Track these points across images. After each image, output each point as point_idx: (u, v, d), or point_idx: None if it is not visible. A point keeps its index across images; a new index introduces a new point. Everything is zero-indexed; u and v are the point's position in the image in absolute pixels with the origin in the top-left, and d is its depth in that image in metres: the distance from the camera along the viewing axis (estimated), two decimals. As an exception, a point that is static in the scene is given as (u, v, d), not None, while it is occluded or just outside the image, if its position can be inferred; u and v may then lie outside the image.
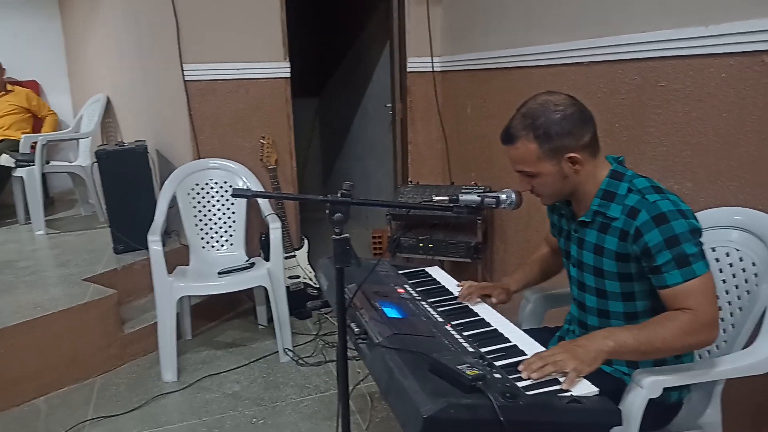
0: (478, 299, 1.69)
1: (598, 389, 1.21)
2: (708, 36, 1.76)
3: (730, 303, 1.56)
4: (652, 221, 1.32)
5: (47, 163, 4.34)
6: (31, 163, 3.97)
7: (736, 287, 1.55)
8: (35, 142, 4.12)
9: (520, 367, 1.26)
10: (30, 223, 4.05)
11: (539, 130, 1.37)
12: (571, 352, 1.26)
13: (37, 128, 4.89)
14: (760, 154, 1.67)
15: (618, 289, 1.45)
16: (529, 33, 2.70)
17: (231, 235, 3.22)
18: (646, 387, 1.30)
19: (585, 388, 1.21)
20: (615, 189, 1.42)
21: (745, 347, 1.44)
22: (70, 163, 4.75)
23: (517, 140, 1.40)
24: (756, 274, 1.50)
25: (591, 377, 1.24)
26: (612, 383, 1.41)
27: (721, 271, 1.57)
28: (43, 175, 4.17)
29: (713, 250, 1.58)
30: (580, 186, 1.44)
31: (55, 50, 5.44)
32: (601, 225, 1.44)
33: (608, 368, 1.47)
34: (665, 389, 1.33)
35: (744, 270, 1.53)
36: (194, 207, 3.16)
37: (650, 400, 1.30)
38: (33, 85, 5.24)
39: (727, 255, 1.57)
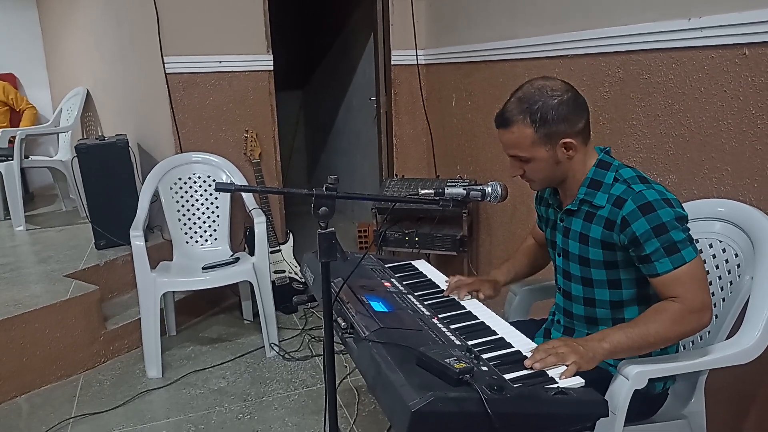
0: (467, 295, 1.69)
1: (583, 380, 1.22)
2: (690, 29, 1.78)
3: (713, 294, 1.57)
4: (639, 210, 1.33)
5: (26, 157, 4.27)
6: (10, 158, 3.91)
7: (720, 278, 1.56)
8: (14, 137, 4.05)
9: (526, 362, 1.26)
10: (9, 219, 3.99)
11: (536, 114, 1.36)
12: (572, 347, 1.27)
13: (15, 122, 4.81)
14: (741, 146, 1.69)
15: (604, 276, 1.46)
16: (512, 26, 2.70)
17: (215, 230, 3.19)
18: (632, 378, 1.31)
19: (571, 380, 1.22)
20: (601, 178, 1.42)
21: (728, 337, 1.46)
22: (50, 157, 4.68)
23: (513, 124, 1.39)
24: (739, 265, 1.51)
25: (577, 369, 1.25)
26: (597, 374, 1.41)
27: (704, 262, 1.59)
28: (23, 170, 4.10)
29: (696, 241, 1.59)
30: (570, 173, 1.45)
31: (33, 42, 5.33)
32: (586, 213, 1.45)
33: (594, 359, 1.48)
34: (650, 380, 1.35)
35: (727, 261, 1.55)
36: (177, 201, 3.13)
37: (636, 390, 1.31)
38: (10, 79, 5.15)
39: (710, 246, 1.59)
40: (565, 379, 1.21)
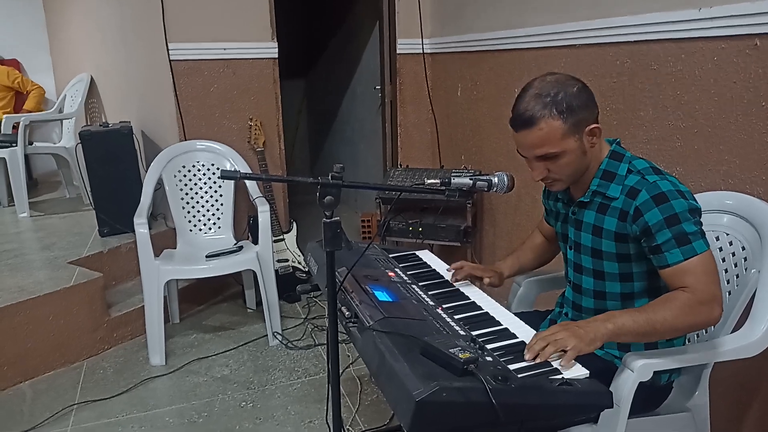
0: (468, 281, 1.68)
1: (588, 372, 1.21)
2: (700, 19, 1.75)
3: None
4: (652, 200, 1.32)
5: (30, 144, 4.27)
6: (14, 144, 3.90)
7: (726, 271, 1.56)
8: (17, 123, 4.04)
9: (525, 351, 1.26)
10: (13, 205, 4.00)
11: (561, 104, 1.33)
12: (571, 331, 1.27)
13: (19, 107, 4.80)
14: (750, 139, 1.67)
15: (616, 269, 1.45)
16: (520, 15, 2.67)
17: (219, 218, 3.19)
18: (637, 370, 1.30)
19: (576, 371, 1.21)
20: (614, 169, 1.42)
21: (734, 331, 1.45)
22: (54, 144, 4.67)
23: (540, 120, 1.34)
24: (746, 258, 1.50)
25: (582, 360, 1.24)
26: (603, 366, 1.42)
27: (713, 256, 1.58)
28: (26, 157, 4.10)
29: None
30: (592, 163, 1.43)
31: (37, 28, 5.31)
32: (600, 205, 1.44)
33: (599, 351, 1.47)
34: (655, 372, 1.34)
35: (734, 254, 1.54)
36: (181, 189, 3.13)
37: (640, 383, 1.31)
38: (14, 64, 5.14)
39: (717, 239, 1.58)
40: (565, 364, 1.21)
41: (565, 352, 1.24)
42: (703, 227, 1.34)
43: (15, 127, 4.10)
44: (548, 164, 1.40)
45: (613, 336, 1.30)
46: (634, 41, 2.03)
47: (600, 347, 1.29)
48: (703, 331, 1.59)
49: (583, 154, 1.40)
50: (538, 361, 1.24)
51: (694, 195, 1.57)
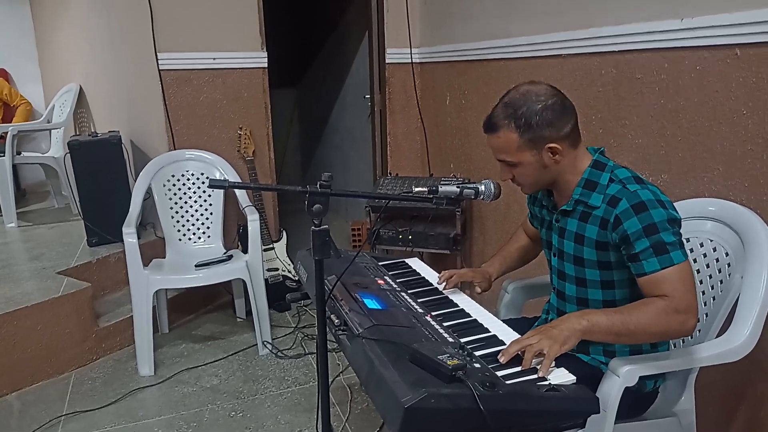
0: (457, 289, 1.70)
1: (575, 377, 1.22)
2: (683, 29, 1.79)
3: (704, 293, 1.59)
4: (632, 209, 1.34)
5: (18, 153, 4.24)
6: (2, 154, 3.88)
7: (710, 277, 1.58)
8: (5, 133, 4.02)
9: (499, 356, 1.27)
10: (1, 215, 3.96)
11: (520, 120, 1.38)
12: (545, 333, 1.29)
13: (8, 118, 4.77)
14: (733, 146, 1.70)
15: (597, 277, 1.47)
16: (506, 25, 2.70)
17: (208, 228, 3.18)
18: (623, 375, 1.32)
19: (563, 377, 1.23)
20: (597, 179, 1.44)
21: (718, 335, 1.47)
22: (42, 154, 4.64)
23: (499, 129, 1.41)
24: (729, 264, 1.53)
25: (568, 366, 1.26)
26: (589, 372, 1.43)
27: (695, 261, 1.60)
28: (14, 167, 4.08)
29: (687, 240, 1.60)
30: (561, 176, 1.46)
31: (25, 38, 5.29)
32: (582, 214, 1.46)
33: (585, 357, 1.49)
34: (641, 378, 1.36)
35: (717, 260, 1.56)
36: (170, 199, 3.12)
37: (626, 388, 1.32)
38: (2, 74, 5.11)
39: (701, 245, 1.60)
40: (543, 372, 1.22)
41: (543, 355, 1.25)
42: (682, 238, 1.35)
43: (3, 137, 4.08)
44: (510, 169, 1.46)
45: (586, 333, 1.31)
46: (619, 51, 2.06)
47: (575, 345, 1.30)
48: (689, 336, 1.60)
49: (543, 168, 1.43)
50: (520, 369, 1.24)
51: (678, 201, 1.60)
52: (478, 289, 1.71)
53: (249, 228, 2.88)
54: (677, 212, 1.36)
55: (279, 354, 2.87)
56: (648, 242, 1.32)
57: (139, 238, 2.74)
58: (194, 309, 3.35)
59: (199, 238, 3.18)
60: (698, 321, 1.33)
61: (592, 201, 1.43)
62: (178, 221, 3.14)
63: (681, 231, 1.36)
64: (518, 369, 1.25)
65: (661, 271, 1.31)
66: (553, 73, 2.40)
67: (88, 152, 3.15)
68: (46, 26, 5.10)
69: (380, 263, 1.91)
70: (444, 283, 1.73)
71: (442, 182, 3.00)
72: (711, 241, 1.58)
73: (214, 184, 1.36)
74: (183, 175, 3.15)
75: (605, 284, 1.47)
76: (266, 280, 3.03)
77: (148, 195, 3.06)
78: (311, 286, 1.59)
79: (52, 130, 4.58)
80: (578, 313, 1.36)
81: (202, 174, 3.16)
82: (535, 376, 1.23)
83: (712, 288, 1.57)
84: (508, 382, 1.19)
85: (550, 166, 1.43)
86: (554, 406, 1.17)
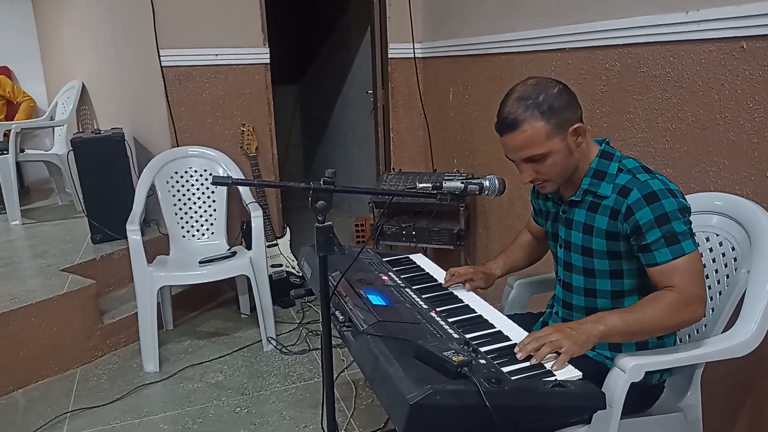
0: (461, 284, 1.70)
1: (581, 373, 1.22)
2: (687, 22, 1.77)
3: (710, 287, 1.57)
4: (644, 199, 1.34)
5: (22, 151, 4.25)
6: (5, 152, 3.88)
7: (716, 272, 1.57)
8: (8, 130, 4.03)
9: (516, 349, 1.28)
10: (5, 213, 3.97)
11: (543, 106, 1.35)
12: (564, 333, 1.28)
13: (11, 115, 4.78)
14: (739, 140, 1.69)
15: (606, 267, 1.46)
16: (509, 19, 2.69)
17: (212, 224, 3.18)
18: (628, 371, 1.31)
19: (569, 372, 1.22)
20: (605, 168, 1.43)
21: (724, 330, 1.46)
22: (46, 151, 4.65)
23: (523, 123, 1.36)
24: (735, 259, 1.52)
25: (574, 361, 1.25)
26: (595, 367, 1.42)
27: (701, 255, 1.59)
28: (18, 164, 4.08)
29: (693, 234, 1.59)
30: (579, 163, 1.44)
31: (27, 35, 5.29)
32: (591, 204, 1.45)
33: (591, 352, 1.47)
34: (647, 373, 1.35)
35: (724, 255, 1.55)
36: (173, 195, 3.12)
37: (632, 383, 1.31)
38: (5, 72, 5.11)
39: (707, 240, 1.59)
40: (558, 367, 1.22)
41: (558, 353, 1.24)
42: (692, 226, 1.35)
43: (6, 135, 4.08)
44: (536, 166, 1.41)
45: (604, 337, 1.32)
46: (623, 44, 2.05)
47: (591, 348, 1.30)
48: (695, 331, 1.60)
49: (569, 154, 1.41)
50: (533, 362, 1.24)
51: (684, 196, 1.59)
52: (468, 286, 1.70)
53: (252, 224, 2.88)
54: (686, 201, 1.36)
55: (283, 350, 2.87)
56: (660, 233, 1.32)
57: (142, 234, 2.75)
58: (198, 305, 3.36)
59: (203, 234, 3.18)
60: (705, 309, 1.34)
61: (601, 191, 1.42)
62: (181, 218, 3.14)
63: (691, 219, 1.36)
64: (523, 365, 1.24)
65: (672, 261, 1.32)
66: (557, 67, 2.38)
67: (92, 149, 3.15)
68: (48, 24, 5.10)
69: (384, 259, 1.91)
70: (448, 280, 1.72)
71: (445, 178, 2.98)
72: (717, 235, 1.57)
73: (217, 181, 1.36)
74: (186, 172, 3.15)
75: (614, 274, 1.46)
76: (270, 276, 3.03)
77: (152, 192, 3.07)
78: (315, 283, 1.59)
79: (55, 128, 4.59)
80: (593, 317, 1.35)
81: (206, 170, 3.16)
82: (540, 371, 1.22)
83: (719, 283, 1.56)
84: (513, 378, 1.19)
85: (574, 151, 1.41)
86: (560, 402, 1.16)
